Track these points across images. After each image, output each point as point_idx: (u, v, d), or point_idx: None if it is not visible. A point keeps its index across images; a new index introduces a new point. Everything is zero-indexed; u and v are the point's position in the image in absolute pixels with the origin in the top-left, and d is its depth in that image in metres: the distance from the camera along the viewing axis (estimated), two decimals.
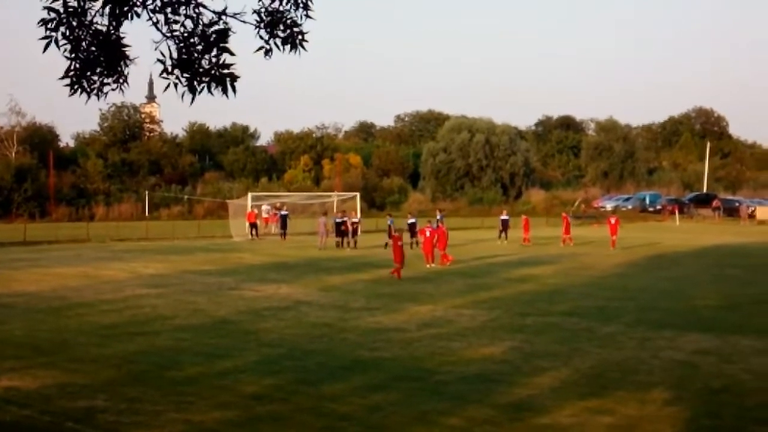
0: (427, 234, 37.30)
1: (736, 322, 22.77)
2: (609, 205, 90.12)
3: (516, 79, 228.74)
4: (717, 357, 18.00)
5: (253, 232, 53.77)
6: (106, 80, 8.35)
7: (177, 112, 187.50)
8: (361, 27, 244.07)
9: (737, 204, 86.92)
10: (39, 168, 75.74)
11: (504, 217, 52.33)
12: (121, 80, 8.41)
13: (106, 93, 8.42)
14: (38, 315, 23.09)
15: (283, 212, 55.61)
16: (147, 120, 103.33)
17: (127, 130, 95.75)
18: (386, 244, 45.69)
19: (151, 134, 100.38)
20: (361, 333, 20.61)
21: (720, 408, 14.03)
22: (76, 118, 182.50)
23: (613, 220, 48.58)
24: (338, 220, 47.36)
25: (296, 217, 60.85)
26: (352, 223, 47.72)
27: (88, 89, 8.31)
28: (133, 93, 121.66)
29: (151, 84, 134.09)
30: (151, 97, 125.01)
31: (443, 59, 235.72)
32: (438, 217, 49.28)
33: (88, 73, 8.25)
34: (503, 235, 51.19)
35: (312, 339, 19.81)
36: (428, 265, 35.90)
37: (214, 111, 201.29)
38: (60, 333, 20.40)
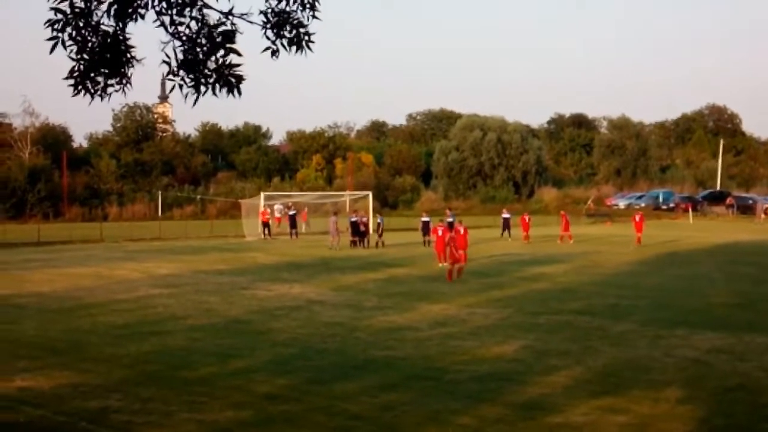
0: (440, 233, 37.28)
1: (749, 320, 22.67)
2: (622, 203, 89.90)
3: (528, 77, 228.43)
4: (731, 355, 17.93)
5: (266, 231, 53.85)
6: (110, 81, 8.36)
7: (189, 112, 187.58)
8: (373, 26, 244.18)
9: (751, 201, 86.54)
10: (52, 168, 76.08)
11: (505, 215, 52.93)
12: (124, 81, 8.42)
13: (110, 94, 8.44)
14: (51, 315, 23.18)
15: (292, 212, 55.75)
16: (160, 120, 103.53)
17: (140, 131, 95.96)
18: (377, 243, 45.89)
19: (164, 134, 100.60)
20: (374, 332, 20.61)
21: (734, 406, 13.97)
22: (89, 118, 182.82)
23: (638, 218, 48.84)
24: (353, 220, 47.33)
25: (309, 216, 60.96)
26: (365, 222, 47.74)
27: (92, 90, 8.32)
28: (145, 93, 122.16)
29: (163, 84, 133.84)
30: (163, 97, 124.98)
31: (455, 58, 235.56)
32: (450, 217, 49.35)
33: (93, 74, 8.26)
34: (506, 233, 52.07)
35: (324, 338, 19.82)
36: (440, 264, 35.85)
37: (226, 111, 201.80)
38: (73, 333, 20.48)
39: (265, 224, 54.26)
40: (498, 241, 50.53)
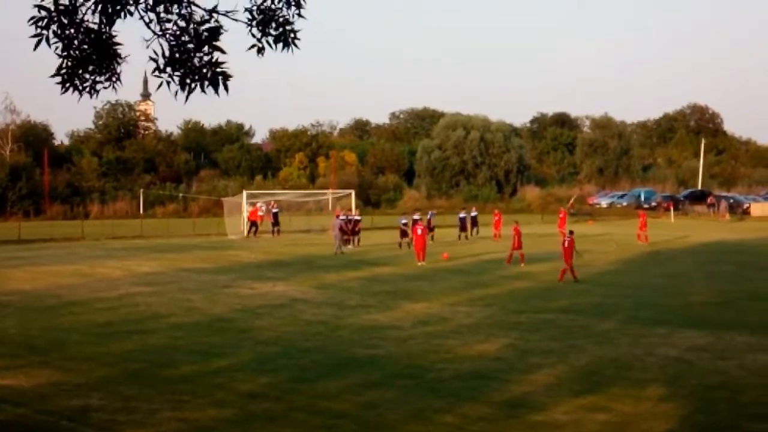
0: (419, 232, 37.29)
1: (730, 318, 22.81)
2: (604, 202, 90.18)
3: (511, 77, 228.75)
4: (711, 354, 18.04)
5: (253, 229, 53.67)
6: (98, 78, 8.31)
7: (172, 110, 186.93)
8: (356, 24, 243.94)
9: (732, 200, 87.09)
10: (34, 166, 75.57)
11: (473, 213, 52.90)
12: (114, 79, 8.37)
13: (99, 91, 8.39)
14: (33, 313, 23.07)
15: (275, 210, 55.70)
16: (142, 118, 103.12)
17: (122, 128, 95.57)
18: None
19: (146, 132, 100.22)
20: (357, 330, 20.63)
21: (715, 404, 14.06)
22: (70, 116, 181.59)
23: (642, 217, 49.65)
24: (341, 218, 47.02)
25: (291, 214, 60.87)
26: (355, 222, 47.38)
27: (81, 87, 8.27)
28: (127, 91, 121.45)
29: (145, 82, 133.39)
30: (145, 95, 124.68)
31: (438, 56, 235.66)
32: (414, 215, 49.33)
33: (80, 72, 8.21)
34: (475, 230, 51.68)
35: (307, 337, 19.81)
36: (419, 263, 35.87)
37: (208, 109, 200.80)
38: (55, 331, 20.39)
39: (254, 222, 54.11)
40: (481, 239, 50.45)
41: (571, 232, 32.35)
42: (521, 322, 21.82)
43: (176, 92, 8.27)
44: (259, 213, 60.73)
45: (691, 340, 19.42)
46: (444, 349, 18.44)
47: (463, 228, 50.54)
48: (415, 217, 46.09)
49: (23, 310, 23.72)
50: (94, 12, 8.07)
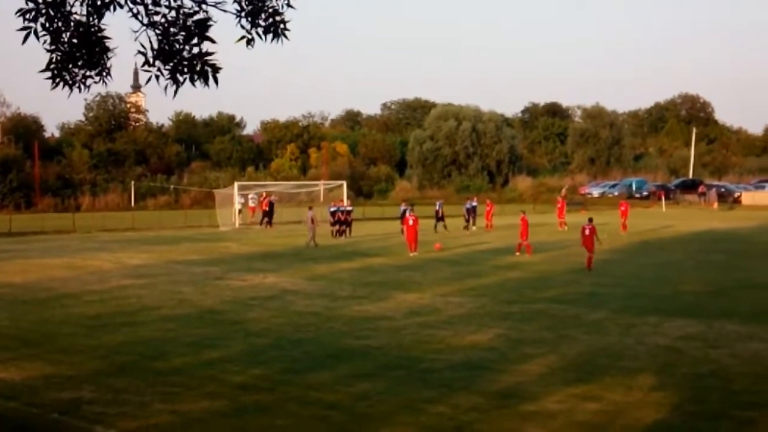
0: (410, 222, 37.26)
1: (721, 307, 22.84)
2: (596, 192, 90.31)
3: (503, 67, 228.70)
4: (702, 342, 18.08)
5: (266, 219, 53.97)
6: (88, 73, 8.25)
7: (163, 102, 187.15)
8: (347, 14, 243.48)
9: (723, 189, 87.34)
10: (24, 159, 75.38)
11: (468, 205, 52.92)
12: (104, 73, 8.32)
13: (89, 86, 8.33)
14: (24, 306, 23.02)
15: (273, 199, 55.94)
16: (132, 110, 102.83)
17: (113, 120, 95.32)
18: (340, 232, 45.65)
19: (137, 124, 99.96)
20: (348, 322, 20.61)
21: (706, 393, 14.09)
22: (61, 108, 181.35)
23: (623, 207, 49.71)
24: (332, 209, 47.00)
25: (282, 206, 60.84)
26: (347, 212, 47.25)
27: (71, 82, 8.21)
28: (118, 83, 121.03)
29: (136, 73, 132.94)
30: (136, 87, 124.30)
31: (430, 47, 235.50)
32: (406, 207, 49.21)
33: (70, 66, 8.15)
34: (468, 223, 51.81)
35: (298, 328, 19.80)
36: (411, 254, 35.86)
37: (200, 100, 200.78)
38: (45, 324, 20.35)
39: (265, 213, 54.46)
40: (477, 231, 50.53)
41: (590, 220, 32.27)
42: (513, 312, 21.83)
43: (165, 86, 8.23)
44: (251, 204, 60.95)
45: (682, 329, 19.45)
46: (436, 339, 18.44)
47: (467, 218, 50.89)
48: (403, 207, 46.11)
49: (14, 302, 23.66)
50: (82, 4, 8.01)
